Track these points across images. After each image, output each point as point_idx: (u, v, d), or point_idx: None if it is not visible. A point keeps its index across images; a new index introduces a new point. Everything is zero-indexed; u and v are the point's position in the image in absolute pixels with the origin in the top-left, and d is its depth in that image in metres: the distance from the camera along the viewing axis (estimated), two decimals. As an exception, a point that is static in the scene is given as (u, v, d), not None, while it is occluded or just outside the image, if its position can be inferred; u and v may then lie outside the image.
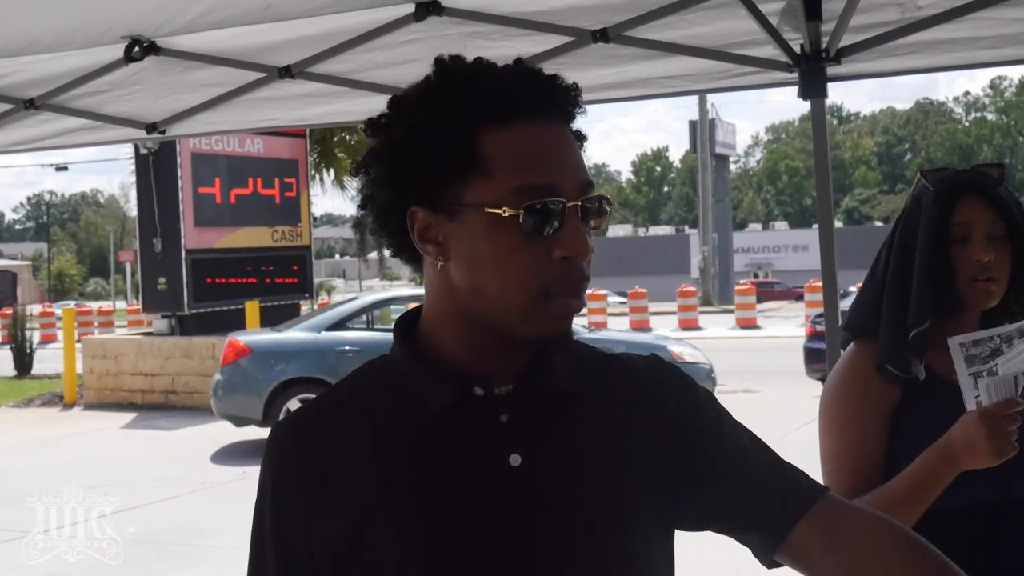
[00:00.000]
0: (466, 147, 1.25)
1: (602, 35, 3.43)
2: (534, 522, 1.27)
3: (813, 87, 3.39)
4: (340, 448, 1.31)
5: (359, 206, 1.40)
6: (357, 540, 1.27)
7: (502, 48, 3.31)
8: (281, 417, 9.83)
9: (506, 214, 1.23)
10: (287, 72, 3.81)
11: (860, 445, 2.09)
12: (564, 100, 1.31)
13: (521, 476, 1.28)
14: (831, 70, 3.40)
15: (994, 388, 1.90)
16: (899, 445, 2.07)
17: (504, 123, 1.26)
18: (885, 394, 2.09)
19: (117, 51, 3.66)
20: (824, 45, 3.35)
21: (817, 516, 1.38)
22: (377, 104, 4.31)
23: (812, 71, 3.37)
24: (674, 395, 1.41)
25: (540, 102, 1.28)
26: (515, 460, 1.28)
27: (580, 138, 1.34)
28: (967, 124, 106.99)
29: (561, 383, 1.35)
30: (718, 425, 1.42)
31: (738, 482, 1.39)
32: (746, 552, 1.44)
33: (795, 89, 3.45)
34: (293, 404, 11.57)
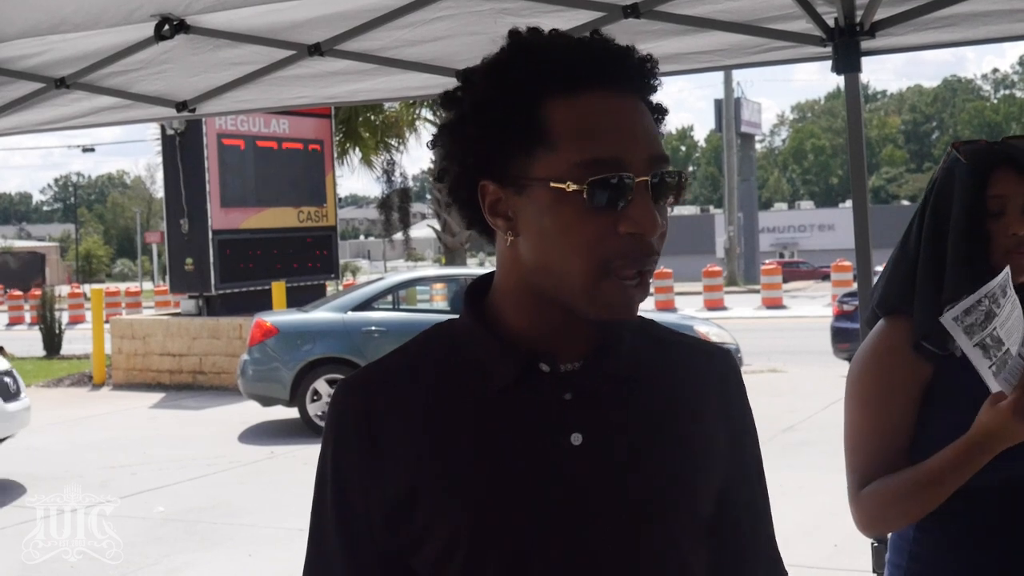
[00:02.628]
0: (530, 120, 1.23)
1: (633, 10, 3.41)
2: (591, 502, 1.26)
3: (847, 61, 3.35)
4: (404, 411, 1.31)
5: (435, 178, 1.38)
6: (411, 507, 1.27)
7: (532, 24, 3.29)
8: (308, 397, 9.85)
9: (570, 188, 1.20)
10: (316, 50, 3.81)
11: (888, 421, 2.06)
12: (636, 72, 1.27)
13: (581, 455, 1.27)
14: (865, 44, 3.36)
15: (1011, 375, 1.86)
16: (929, 421, 2.04)
17: (570, 95, 1.23)
18: (917, 371, 2.05)
19: (147, 29, 3.67)
20: (858, 19, 3.31)
21: None
22: (407, 81, 4.30)
23: (846, 45, 3.33)
24: (736, 400, 1.42)
25: (609, 73, 1.24)
26: (576, 439, 1.27)
27: (659, 111, 1.30)
28: (995, 102, 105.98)
29: (628, 365, 1.33)
30: (755, 448, 1.45)
31: (739, 510, 1.41)
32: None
33: (821, 67, 3.46)
34: (320, 384, 11.63)
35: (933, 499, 1.97)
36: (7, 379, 9.62)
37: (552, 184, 1.22)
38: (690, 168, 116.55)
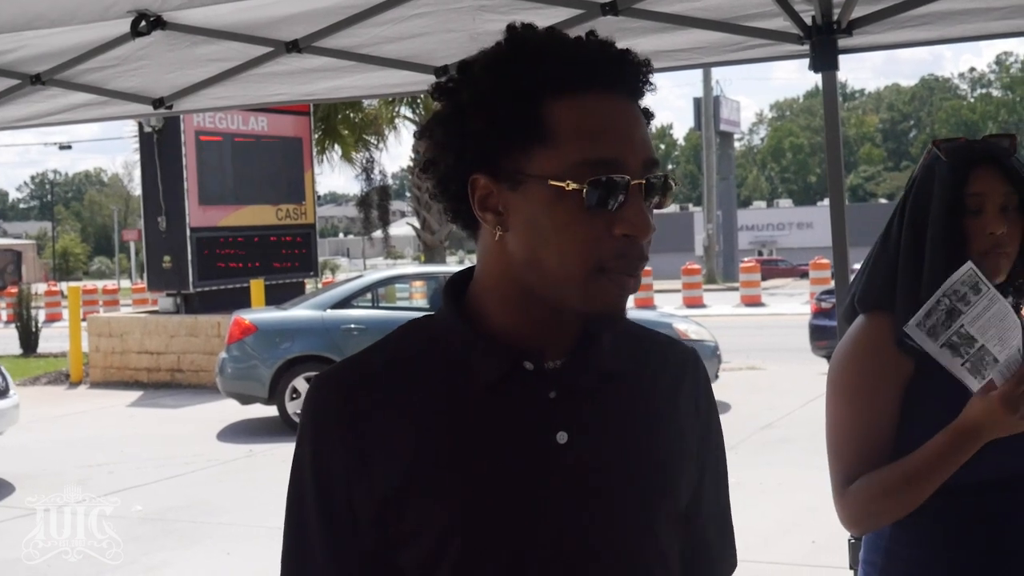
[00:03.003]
0: (532, 116, 1.23)
1: (611, 7, 3.41)
2: (577, 500, 1.27)
3: (824, 59, 3.37)
4: (387, 410, 1.30)
5: (420, 170, 1.38)
6: (400, 507, 1.27)
7: (510, 21, 3.28)
8: (286, 395, 9.79)
9: (569, 187, 1.21)
10: (294, 47, 3.79)
11: (871, 417, 2.06)
12: (634, 75, 1.28)
13: (567, 454, 1.28)
14: (842, 42, 3.37)
15: (1006, 369, 1.87)
16: (911, 417, 2.04)
17: (572, 95, 1.24)
18: (898, 367, 2.05)
19: (124, 25, 3.64)
20: (835, 17, 3.32)
21: None
22: (385, 78, 4.29)
23: (823, 43, 3.34)
24: (705, 396, 1.45)
25: (610, 75, 1.25)
26: (562, 438, 1.28)
27: (648, 115, 1.32)
28: (972, 100, 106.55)
29: (610, 362, 1.34)
30: (721, 446, 1.49)
31: (710, 506, 1.46)
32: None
33: (799, 65, 3.44)
34: (299, 382, 11.60)
35: (919, 493, 1.97)
36: None
37: (551, 182, 1.22)
38: (670, 166, 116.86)
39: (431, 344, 1.34)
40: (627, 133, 1.25)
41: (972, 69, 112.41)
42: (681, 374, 1.43)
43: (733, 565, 1.51)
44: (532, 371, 1.30)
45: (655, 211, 1.28)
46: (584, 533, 1.27)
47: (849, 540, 3.16)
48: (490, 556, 1.26)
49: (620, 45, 1.29)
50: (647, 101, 1.31)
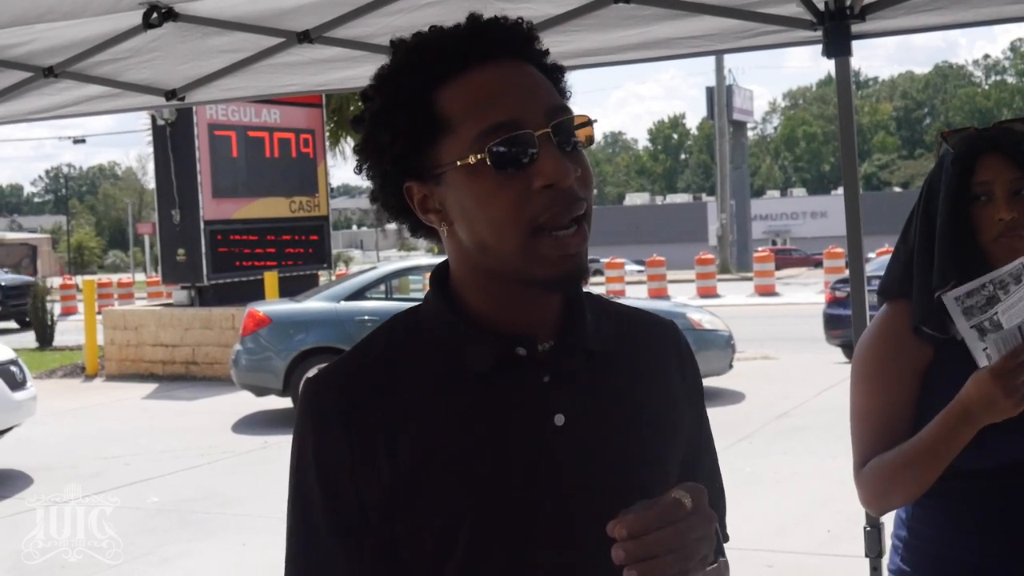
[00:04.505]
0: (425, 111, 1.27)
1: (623, -5, 3.39)
2: (581, 479, 1.29)
3: (837, 45, 3.35)
4: (386, 405, 1.30)
5: (370, 200, 1.41)
6: (407, 499, 1.28)
7: (523, 10, 3.28)
8: (301, 387, 9.95)
9: (474, 161, 1.24)
10: (306, 37, 3.79)
11: (889, 402, 2.10)
12: (510, 38, 1.30)
13: (565, 435, 1.29)
14: (855, 27, 3.35)
15: (1001, 342, 1.89)
16: (929, 403, 2.06)
17: (454, 77, 1.27)
18: (917, 353, 2.09)
19: (135, 17, 3.64)
20: (848, 2, 3.30)
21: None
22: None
23: (836, 29, 3.32)
24: (690, 365, 1.48)
25: (481, 47, 1.28)
26: (559, 420, 1.30)
27: (551, 71, 1.34)
28: (987, 87, 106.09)
29: (596, 341, 1.36)
30: (705, 417, 1.51)
31: (701, 480, 1.43)
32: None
33: (812, 53, 3.42)
34: (312, 374, 11.59)
35: (928, 472, 2.00)
36: (13, 368, 9.57)
37: (459, 163, 1.25)
38: (682, 156, 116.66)
39: (421, 337, 1.35)
40: (515, 92, 1.26)
41: (986, 56, 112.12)
42: (665, 348, 1.45)
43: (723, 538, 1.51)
44: (524, 356, 1.31)
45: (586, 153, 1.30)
46: (591, 511, 1.27)
47: (865, 528, 3.16)
48: (500, 542, 1.27)
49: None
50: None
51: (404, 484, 1.27)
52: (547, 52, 1.34)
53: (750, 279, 32.42)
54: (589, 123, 1.30)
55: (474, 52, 1.27)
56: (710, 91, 50.73)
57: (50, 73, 4.10)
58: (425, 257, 23.89)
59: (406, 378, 1.32)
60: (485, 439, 1.28)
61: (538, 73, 1.31)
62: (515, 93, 1.26)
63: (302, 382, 1.35)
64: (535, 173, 1.23)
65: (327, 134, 20.03)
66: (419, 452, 1.28)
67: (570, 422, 1.30)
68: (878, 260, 14.61)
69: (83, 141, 64.93)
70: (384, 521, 1.29)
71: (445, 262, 1.40)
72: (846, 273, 17.66)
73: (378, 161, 1.31)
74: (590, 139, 1.30)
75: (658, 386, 1.40)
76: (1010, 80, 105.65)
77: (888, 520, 2.45)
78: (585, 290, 1.38)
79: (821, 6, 3.34)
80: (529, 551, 1.27)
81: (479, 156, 1.23)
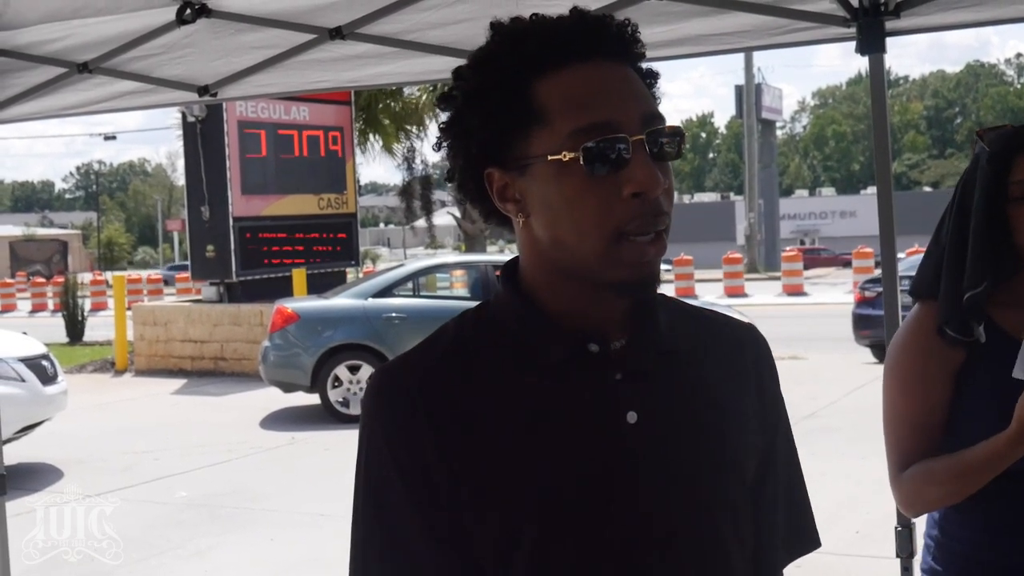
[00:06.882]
0: (520, 100, 1.25)
1: (655, -9, 3.38)
2: (654, 478, 1.28)
3: (871, 42, 3.32)
4: (457, 394, 1.29)
5: (446, 179, 1.40)
6: (477, 496, 1.26)
7: (554, 7, 3.23)
8: (328, 383, 9.81)
9: (567, 158, 1.22)
10: (338, 33, 3.79)
11: (923, 403, 2.09)
12: (615, 38, 1.28)
13: (637, 433, 1.28)
14: (890, 24, 3.32)
15: None
16: (963, 404, 2.06)
17: (554, 71, 1.25)
18: (949, 354, 2.07)
19: (169, 14, 3.66)
20: (883, -1, 3.27)
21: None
22: (428, 65, 4.28)
23: (870, 25, 3.29)
24: (769, 372, 1.45)
25: (588, 44, 1.26)
26: (632, 418, 1.28)
27: (648, 76, 1.32)
28: (1019, 87, 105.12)
29: (669, 340, 1.35)
30: (786, 421, 1.48)
31: (776, 486, 1.44)
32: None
33: (842, 51, 3.45)
34: (341, 370, 11.67)
35: (971, 486, 1.99)
36: (45, 362, 9.64)
37: (550, 157, 1.24)
38: (710, 155, 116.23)
39: (495, 330, 1.34)
40: (615, 95, 1.25)
41: (1019, 55, 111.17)
42: (739, 351, 1.43)
43: (812, 542, 1.53)
44: (597, 353, 1.30)
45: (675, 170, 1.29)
46: (666, 511, 1.27)
47: (896, 528, 3.14)
48: (571, 540, 1.25)
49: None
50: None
51: (473, 477, 1.26)
52: (644, 55, 1.32)
53: (778, 279, 32.29)
54: (681, 135, 1.29)
55: (579, 47, 1.25)
56: (739, 89, 50.52)
57: (84, 69, 4.12)
58: (452, 255, 23.90)
59: (477, 371, 1.30)
60: (555, 437, 1.26)
61: (637, 77, 1.29)
62: (615, 95, 1.25)
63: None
64: (625, 179, 1.22)
65: (355, 131, 20.10)
66: (487, 450, 1.26)
67: (643, 420, 1.28)
68: (908, 260, 14.53)
69: (114, 138, 65.64)
70: (455, 509, 1.27)
71: (515, 258, 1.38)
72: (875, 273, 17.56)
73: (463, 143, 1.30)
74: (679, 151, 1.29)
75: (728, 388, 1.38)
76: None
77: (920, 521, 2.43)
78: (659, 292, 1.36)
79: (855, 2, 3.31)
80: (602, 550, 1.26)
81: (572, 154, 1.22)
